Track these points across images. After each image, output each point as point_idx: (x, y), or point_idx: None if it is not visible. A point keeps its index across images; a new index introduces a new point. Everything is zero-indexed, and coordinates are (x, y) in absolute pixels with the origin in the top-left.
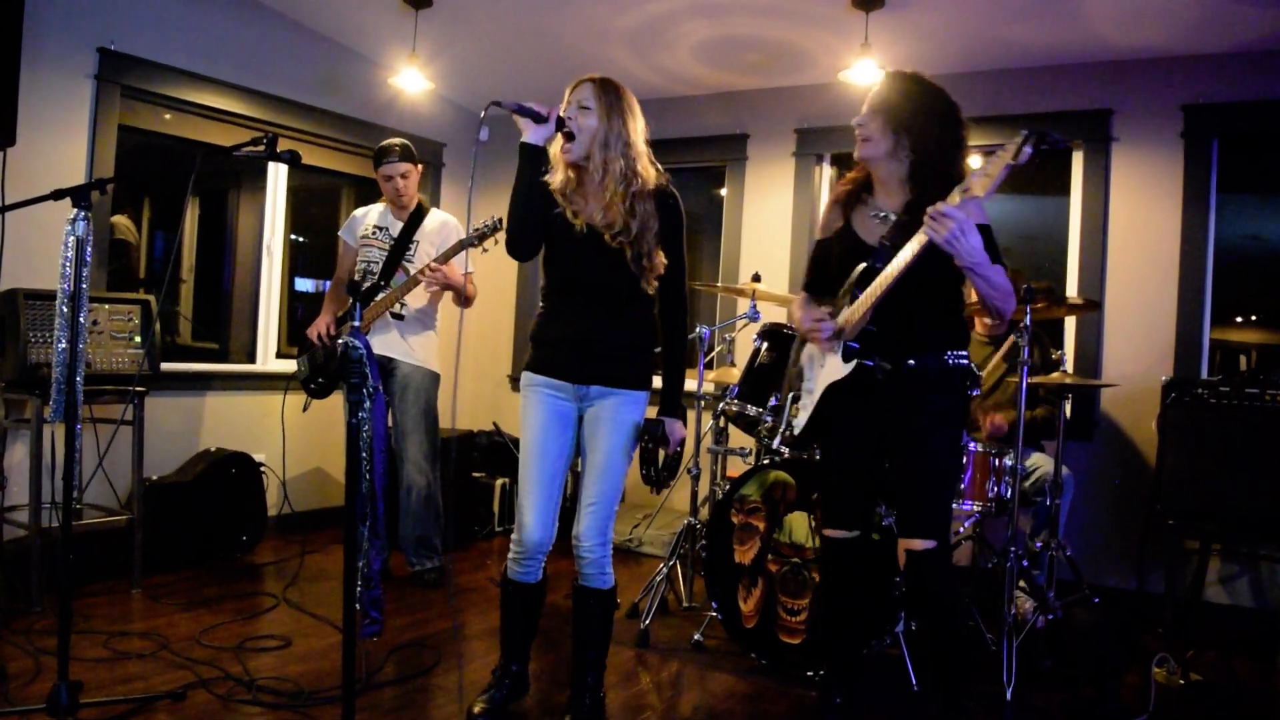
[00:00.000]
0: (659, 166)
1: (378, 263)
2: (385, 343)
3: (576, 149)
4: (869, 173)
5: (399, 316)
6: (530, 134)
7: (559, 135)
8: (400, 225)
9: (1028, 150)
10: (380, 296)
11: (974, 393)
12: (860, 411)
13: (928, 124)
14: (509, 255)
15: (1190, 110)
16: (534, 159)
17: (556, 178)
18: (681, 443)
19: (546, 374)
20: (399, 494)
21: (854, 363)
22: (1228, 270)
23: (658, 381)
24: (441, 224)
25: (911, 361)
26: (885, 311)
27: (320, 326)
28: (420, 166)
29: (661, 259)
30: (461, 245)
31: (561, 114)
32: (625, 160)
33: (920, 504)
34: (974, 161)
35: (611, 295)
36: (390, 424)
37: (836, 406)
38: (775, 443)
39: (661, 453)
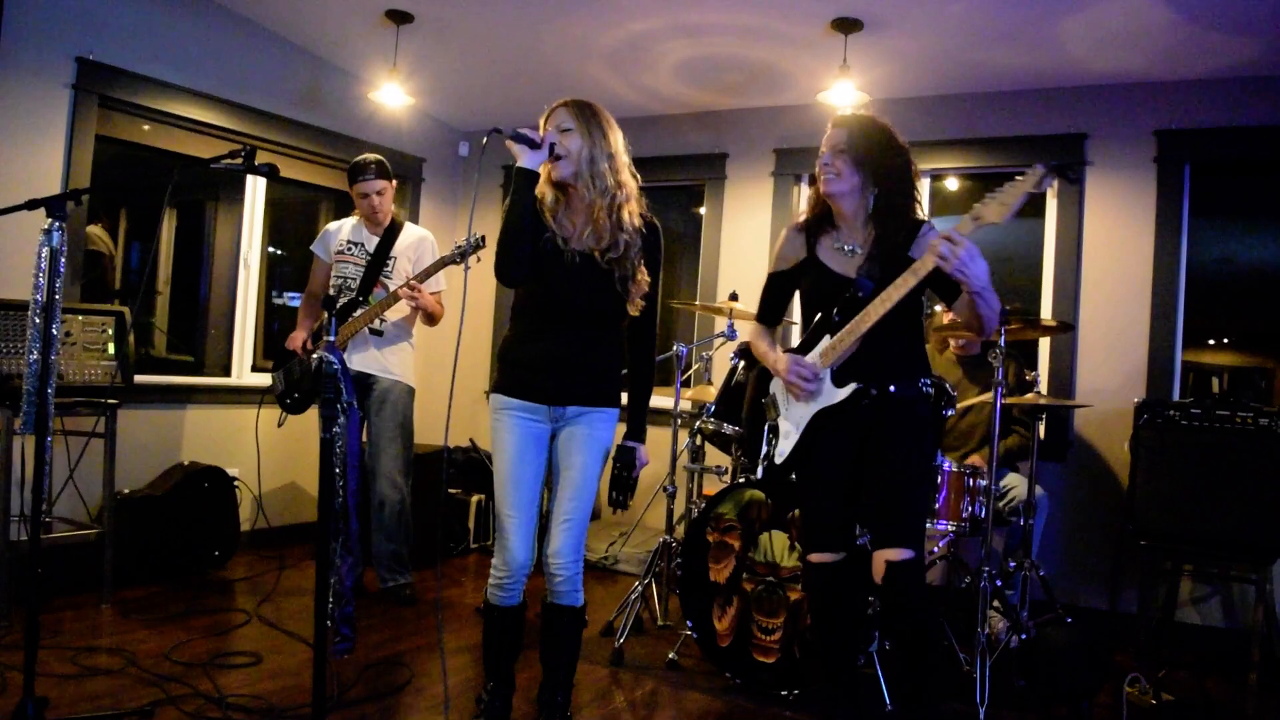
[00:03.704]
0: (639, 178)
1: (355, 278)
2: (363, 359)
3: (565, 167)
4: (826, 207)
5: (378, 333)
6: (525, 159)
7: (549, 160)
8: (375, 240)
9: (1048, 182)
10: (359, 313)
11: (948, 412)
12: (842, 435)
13: (889, 164)
14: (497, 279)
15: (1163, 135)
16: (529, 184)
17: (547, 197)
18: (644, 466)
19: (521, 397)
20: (370, 509)
21: (851, 387)
22: (1200, 293)
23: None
24: (419, 239)
25: (893, 388)
26: (868, 340)
27: (297, 341)
28: (394, 183)
29: (645, 277)
30: (443, 263)
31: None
32: (612, 173)
33: (895, 514)
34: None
35: (594, 319)
36: (364, 438)
37: (819, 431)
38: (758, 474)
39: (628, 476)
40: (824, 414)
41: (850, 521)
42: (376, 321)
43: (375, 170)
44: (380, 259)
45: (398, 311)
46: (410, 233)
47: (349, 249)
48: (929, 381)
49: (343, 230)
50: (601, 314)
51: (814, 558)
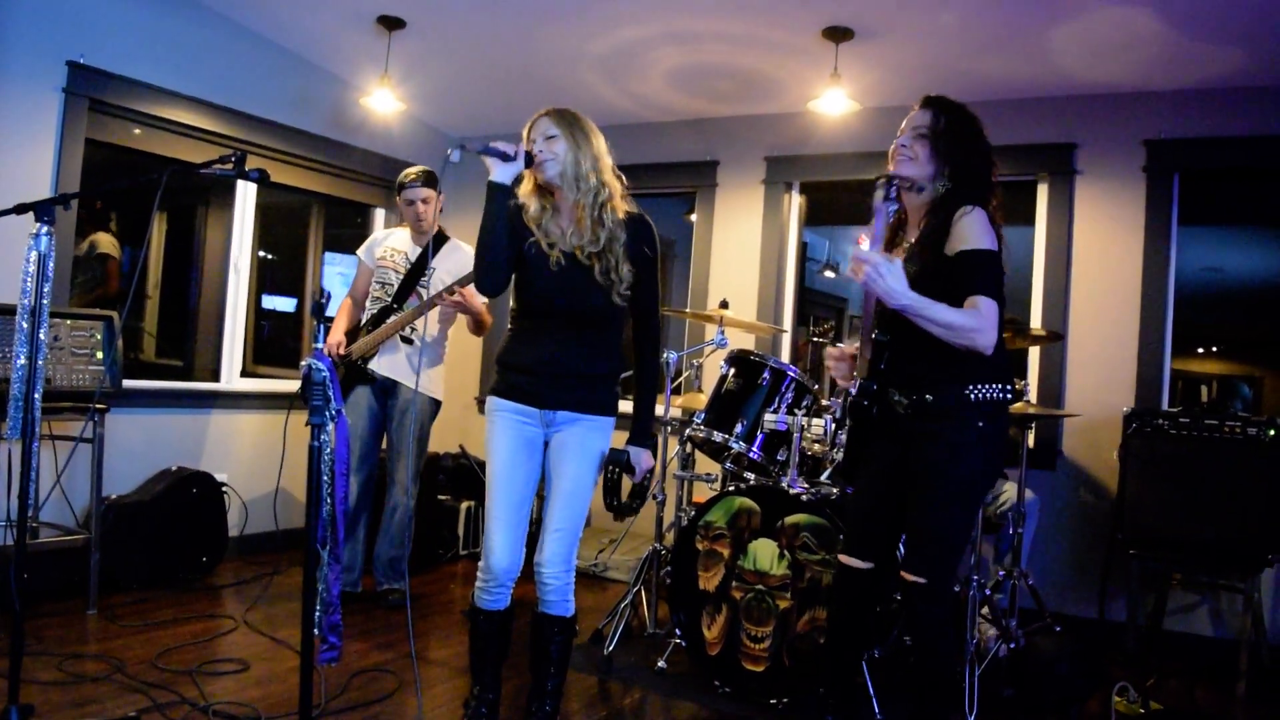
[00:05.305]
0: (624, 180)
1: (393, 285)
2: (392, 364)
3: (550, 168)
4: (902, 216)
5: (408, 340)
6: (497, 173)
7: (528, 171)
8: (418, 250)
9: (881, 195)
10: (392, 319)
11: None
12: (884, 443)
13: (966, 163)
14: (476, 289)
15: (1152, 145)
16: (501, 198)
17: (532, 207)
18: (650, 472)
19: (513, 399)
20: (382, 514)
21: (849, 401)
22: (1189, 302)
23: (625, 406)
24: (462, 254)
25: (930, 397)
26: (900, 347)
27: (331, 342)
28: (442, 194)
29: (629, 269)
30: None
31: (529, 150)
32: (595, 174)
33: (913, 538)
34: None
35: (584, 322)
36: (385, 445)
37: (867, 439)
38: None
39: (627, 482)
40: (864, 420)
41: (883, 534)
42: (407, 329)
43: (422, 179)
44: (420, 268)
45: (431, 325)
46: (454, 246)
47: (391, 256)
48: (985, 387)
49: (390, 238)
50: (589, 314)
51: (843, 559)
